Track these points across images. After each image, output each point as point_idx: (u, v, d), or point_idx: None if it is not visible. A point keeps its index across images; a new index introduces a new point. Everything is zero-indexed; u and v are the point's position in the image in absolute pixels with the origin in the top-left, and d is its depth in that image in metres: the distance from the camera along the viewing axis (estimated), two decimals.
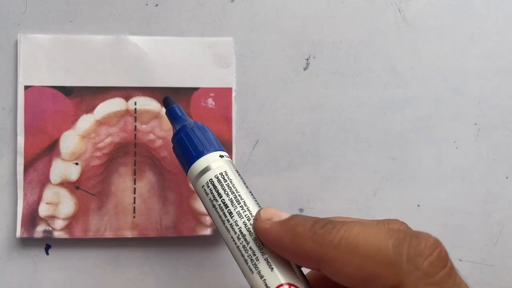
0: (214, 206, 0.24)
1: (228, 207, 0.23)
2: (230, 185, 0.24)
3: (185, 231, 0.31)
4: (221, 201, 0.23)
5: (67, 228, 0.30)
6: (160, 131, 0.31)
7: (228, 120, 0.32)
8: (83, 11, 0.31)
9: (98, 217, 0.31)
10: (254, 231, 0.22)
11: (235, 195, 0.24)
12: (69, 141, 0.31)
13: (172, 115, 0.28)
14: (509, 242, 0.33)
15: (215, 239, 0.32)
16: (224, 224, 0.23)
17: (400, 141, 0.33)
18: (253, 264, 0.22)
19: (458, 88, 0.33)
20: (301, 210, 0.32)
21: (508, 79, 0.34)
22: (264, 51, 0.32)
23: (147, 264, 0.32)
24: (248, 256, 0.22)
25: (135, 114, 0.31)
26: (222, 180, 0.24)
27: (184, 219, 0.31)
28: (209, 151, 0.25)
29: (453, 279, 0.18)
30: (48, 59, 0.31)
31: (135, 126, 0.31)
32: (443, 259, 0.19)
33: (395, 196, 0.33)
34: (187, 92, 0.32)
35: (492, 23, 0.34)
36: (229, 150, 0.32)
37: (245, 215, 0.23)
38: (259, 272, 0.22)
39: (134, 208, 0.31)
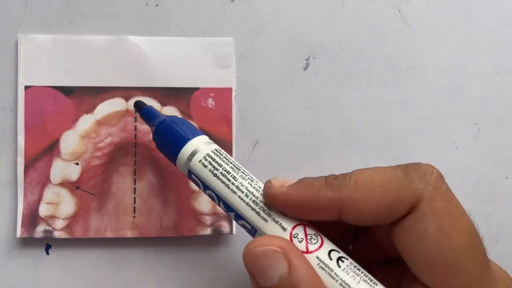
0: (215, 175, 0.24)
1: (230, 173, 0.24)
2: (227, 157, 0.25)
3: (185, 231, 0.31)
4: (222, 169, 0.24)
5: (68, 228, 0.30)
6: None
7: (228, 120, 0.32)
8: (84, 11, 0.32)
9: (98, 217, 0.31)
10: (267, 199, 0.23)
11: (233, 164, 0.25)
12: (70, 141, 0.31)
13: (148, 115, 0.29)
14: (509, 242, 0.33)
15: (215, 239, 0.32)
16: (229, 187, 0.24)
17: (400, 141, 0.33)
18: (266, 214, 0.23)
19: (458, 88, 0.33)
20: None
21: (508, 79, 0.34)
22: (264, 51, 0.33)
23: (147, 264, 0.32)
24: (259, 208, 0.23)
25: (135, 114, 0.31)
26: (218, 154, 0.25)
27: (184, 219, 0.31)
28: (198, 134, 0.26)
29: (452, 192, 0.22)
30: (49, 59, 0.31)
31: (135, 126, 0.31)
32: (441, 175, 0.22)
33: None
34: (187, 92, 0.32)
35: (492, 23, 0.34)
36: (229, 150, 0.32)
37: (248, 178, 0.24)
38: (273, 219, 0.23)
39: (135, 208, 0.31)
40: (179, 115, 0.31)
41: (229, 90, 0.32)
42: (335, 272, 0.21)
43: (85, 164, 0.31)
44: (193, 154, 0.25)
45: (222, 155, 0.25)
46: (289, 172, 0.32)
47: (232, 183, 0.24)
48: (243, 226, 0.24)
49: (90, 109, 0.31)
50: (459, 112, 0.33)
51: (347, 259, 0.22)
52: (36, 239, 0.31)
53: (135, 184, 0.31)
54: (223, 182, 0.24)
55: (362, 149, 0.33)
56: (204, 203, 0.31)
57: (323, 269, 0.21)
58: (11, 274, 0.31)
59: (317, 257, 0.21)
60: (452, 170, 0.34)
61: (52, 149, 0.31)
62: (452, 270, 0.20)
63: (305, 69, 0.33)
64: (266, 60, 0.33)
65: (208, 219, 0.31)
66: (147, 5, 0.32)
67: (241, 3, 0.32)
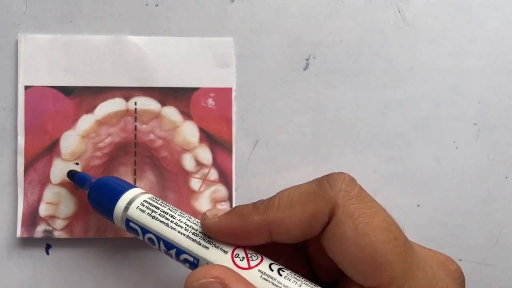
0: (154, 217, 0.26)
1: (168, 213, 0.26)
2: (163, 202, 0.27)
3: None
4: (160, 210, 0.26)
5: (67, 228, 0.30)
6: (160, 131, 0.31)
7: (228, 120, 0.32)
8: (83, 11, 0.32)
9: (98, 217, 0.31)
10: (203, 229, 0.24)
11: (170, 207, 0.26)
12: (70, 141, 0.31)
13: (81, 180, 0.29)
14: (509, 242, 0.33)
15: None
16: (168, 226, 0.25)
17: (400, 141, 0.33)
18: (206, 242, 0.24)
19: (458, 88, 0.33)
20: None
21: (508, 79, 0.34)
22: (264, 51, 0.33)
23: (147, 264, 0.32)
24: (200, 238, 0.24)
25: (135, 114, 0.31)
26: (155, 199, 0.27)
27: None
28: (133, 187, 0.28)
29: (365, 192, 0.23)
30: (48, 59, 0.31)
31: (135, 126, 0.31)
32: (352, 179, 0.23)
33: (395, 196, 0.33)
34: (187, 92, 0.32)
35: (492, 23, 0.34)
36: (229, 150, 0.32)
37: (185, 215, 0.26)
38: (214, 245, 0.24)
39: None
40: (179, 115, 0.31)
41: (229, 90, 0.32)
42: (277, 280, 0.22)
43: (85, 164, 0.31)
44: (129, 203, 0.26)
45: (158, 200, 0.26)
46: (289, 172, 0.32)
47: (171, 221, 0.25)
48: (185, 261, 0.25)
49: (90, 109, 0.31)
50: (459, 112, 0.33)
51: (287, 270, 0.23)
52: (36, 239, 0.31)
53: (135, 184, 0.31)
54: (162, 222, 0.25)
55: (362, 149, 0.33)
56: (204, 203, 0.31)
57: (266, 280, 0.22)
58: (11, 274, 0.31)
59: (259, 270, 0.23)
60: (452, 170, 0.34)
61: (52, 149, 0.31)
62: (376, 266, 0.21)
63: (305, 69, 0.33)
64: (266, 60, 0.33)
65: None
66: (147, 5, 0.32)
67: (241, 3, 0.32)
